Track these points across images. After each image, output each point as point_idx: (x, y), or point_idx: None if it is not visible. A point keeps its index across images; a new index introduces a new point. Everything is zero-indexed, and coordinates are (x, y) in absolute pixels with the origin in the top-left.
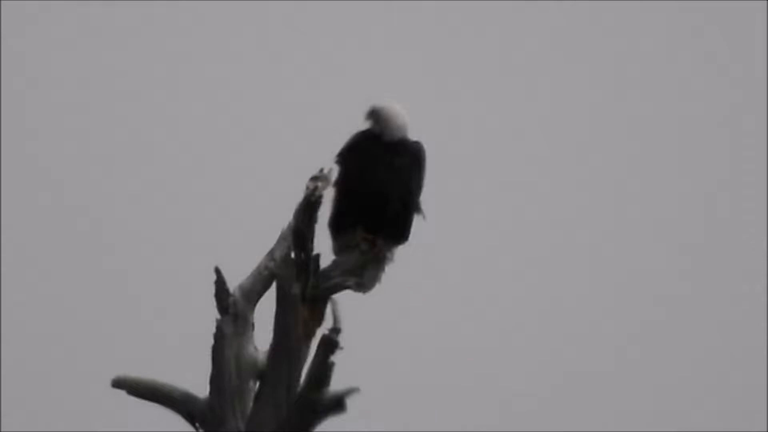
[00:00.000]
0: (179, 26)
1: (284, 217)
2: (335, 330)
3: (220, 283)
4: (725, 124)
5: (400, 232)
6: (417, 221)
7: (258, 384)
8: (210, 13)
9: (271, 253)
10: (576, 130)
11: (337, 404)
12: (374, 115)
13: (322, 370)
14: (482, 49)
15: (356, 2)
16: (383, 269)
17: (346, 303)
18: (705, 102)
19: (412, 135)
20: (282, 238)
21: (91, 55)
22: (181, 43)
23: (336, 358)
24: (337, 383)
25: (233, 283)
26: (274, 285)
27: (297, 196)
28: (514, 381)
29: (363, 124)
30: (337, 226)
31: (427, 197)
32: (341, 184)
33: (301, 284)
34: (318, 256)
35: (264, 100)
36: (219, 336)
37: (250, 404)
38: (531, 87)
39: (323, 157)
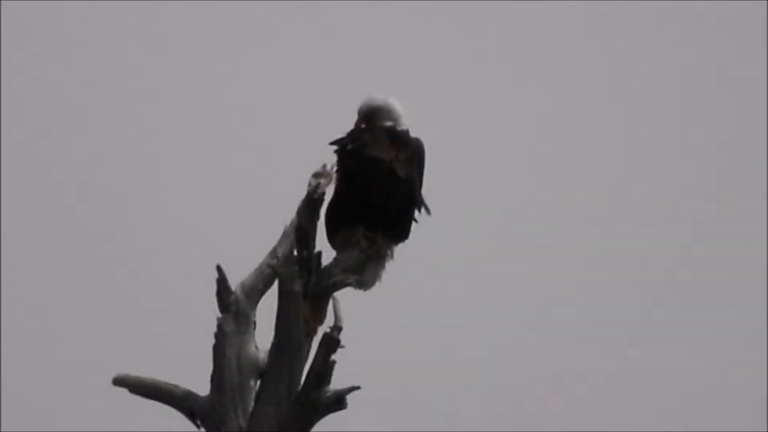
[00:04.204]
0: (179, 25)
1: (287, 214)
2: (336, 328)
3: (222, 281)
4: (725, 125)
5: (400, 230)
6: (417, 218)
7: (259, 382)
8: (210, 12)
9: (273, 250)
10: (575, 128)
11: (338, 402)
12: (372, 108)
13: (323, 368)
14: (481, 48)
15: (356, 1)
16: (384, 267)
17: (346, 301)
18: (705, 102)
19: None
20: (284, 236)
21: (89, 54)
22: (180, 42)
23: (337, 356)
24: (337, 381)
25: (235, 281)
26: (275, 283)
27: (299, 193)
28: (516, 380)
29: (360, 117)
30: (335, 222)
31: (427, 195)
32: (341, 180)
33: (302, 282)
34: (320, 253)
35: (265, 96)
36: (220, 334)
37: (251, 402)
38: (531, 86)
39: (325, 153)
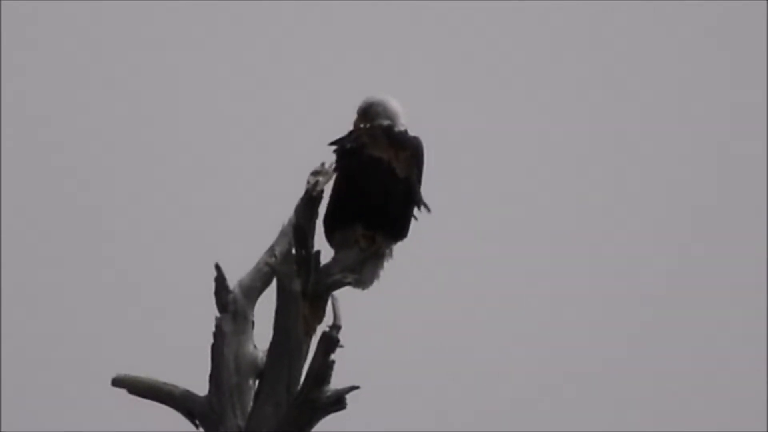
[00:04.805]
0: (179, 25)
1: (285, 213)
2: (335, 327)
3: (220, 280)
4: (725, 125)
5: (399, 229)
6: (417, 217)
7: (257, 382)
8: (210, 12)
9: (271, 249)
10: (575, 127)
11: (337, 402)
12: (372, 108)
13: (322, 367)
14: (481, 48)
15: (355, 1)
16: (382, 266)
17: (345, 300)
18: (705, 103)
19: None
20: (282, 234)
21: (89, 54)
22: (180, 42)
23: (336, 355)
24: (337, 381)
25: (233, 280)
26: (274, 282)
27: (298, 192)
28: (515, 380)
29: (359, 117)
30: (334, 221)
31: (426, 194)
32: (340, 180)
33: (301, 281)
34: (319, 252)
35: (264, 95)
36: (218, 334)
37: (250, 402)
38: (531, 85)
39: (324, 152)
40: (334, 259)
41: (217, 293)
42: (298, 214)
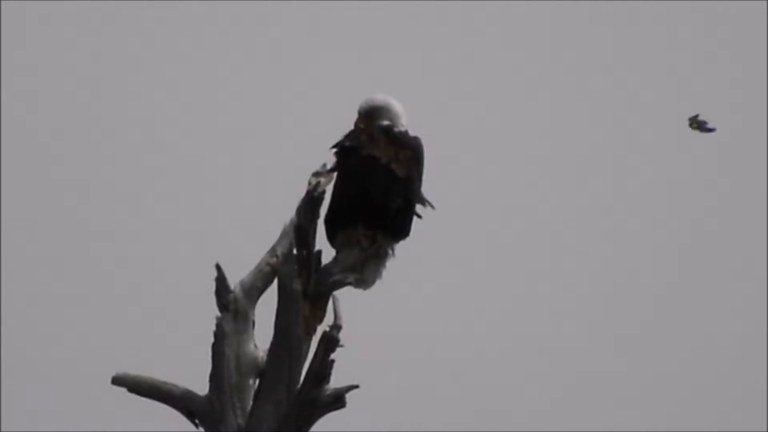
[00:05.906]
0: (179, 25)
1: (286, 213)
2: (336, 327)
3: (221, 280)
4: (725, 125)
5: (400, 228)
6: (418, 216)
7: (258, 381)
8: (210, 12)
9: (272, 249)
10: (575, 127)
11: (337, 400)
12: (372, 108)
13: (323, 367)
14: (481, 47)
15: (356, 1)
16: (384, 265)
17: (346, 300)
18: (705, 102)
19: (411, 131)
20: (284, 235)
21: (89, 54)
22: (180, 42)
23: (336, 355)
24: (337, 380)
25: (234, 280)
26: (275, 282)
27: (299, 192)
28: (515, 379)
29: (360, 117)
30: (335, 221)
31: (427, 193)
32: (341, 179)
33: (302, 281)
34: (320, 252)
35: (265, 95)
36: (219, 333)
37: (250, 401)
38: (531, 85)
39: (325, 152)
40: (335, 259)
41: (217, 293)
42: (299, 215)
